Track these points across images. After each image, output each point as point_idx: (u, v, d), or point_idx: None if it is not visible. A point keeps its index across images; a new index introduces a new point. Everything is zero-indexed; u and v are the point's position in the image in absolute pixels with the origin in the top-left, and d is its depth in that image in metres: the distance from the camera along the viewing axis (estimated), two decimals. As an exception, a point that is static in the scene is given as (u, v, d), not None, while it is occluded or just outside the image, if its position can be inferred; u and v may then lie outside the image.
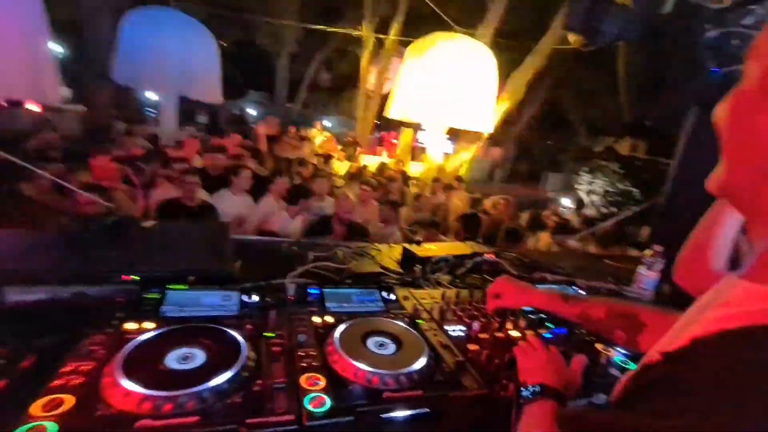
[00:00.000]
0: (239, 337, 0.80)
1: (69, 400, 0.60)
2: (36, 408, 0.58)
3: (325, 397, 0.70)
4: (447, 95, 5.40)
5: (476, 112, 5.66)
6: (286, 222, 3.40)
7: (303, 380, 0.73)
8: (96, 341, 0.74)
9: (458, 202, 5.15)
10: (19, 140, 4.94)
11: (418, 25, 7.79)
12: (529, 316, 1.16)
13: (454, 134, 7.87)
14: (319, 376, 0.74)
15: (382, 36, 9.40)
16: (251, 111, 15.23)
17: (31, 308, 0.94)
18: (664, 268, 1.55)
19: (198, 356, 0.73)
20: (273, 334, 0.86)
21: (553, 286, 1.45)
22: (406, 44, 7.03)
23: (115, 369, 0.66)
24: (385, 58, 9.65)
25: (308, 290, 1.08)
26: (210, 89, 6.85)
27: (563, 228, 4.62)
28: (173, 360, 0.71)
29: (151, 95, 10.93)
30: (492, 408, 0.79)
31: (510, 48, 7.54)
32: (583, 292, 1.46)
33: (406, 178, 6.80)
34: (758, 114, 0.42)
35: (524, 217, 5.65)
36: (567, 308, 0.95)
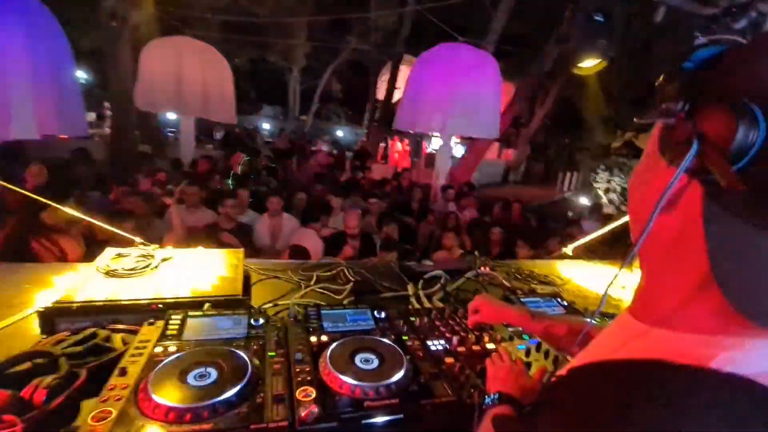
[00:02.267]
0: (246, 357, 0.96)
1: (113, 412, 0.77)
2: (88, 418, 0.75)
3: (315, 406, 0.85)
4: (451, 104, 5.52)
5: (482, 119, 5.75)
6: (312, 239, 3.59)
7: (298, 392, 0.88)
8: (131, 362, 0.92)
9: (468, 212, 5.24)
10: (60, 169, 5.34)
11: (426, 36, 7.97)
12: (508, 329, 1.29)
13: (467, 138, 7.97)
14: (311, 388, 0.90)
15: (389, 48, 9.62)
16: (266, 125, 15.71)
17: (80, 335, 1.14)
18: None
19: (212, 374, 0.90)
20: (274, 353, 1.02)
21: (538, 300, 1.57)
22: (414, 55, 7.20)
23: (147, 386, 0.83)
24: (393, 69, 9.87)
25: (308, 311, 1.24)
26: (225, 110, 7.20)
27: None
28: (192, 377, 0.88)
29: (171, 115, 11.51)
30: (459, 413, 0.92)
31: (516, 53, 7.61)
32: (566, 304, 1.56)
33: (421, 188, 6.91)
34: (642, 185, 0.52)
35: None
36: (533, 325, 1.08)
